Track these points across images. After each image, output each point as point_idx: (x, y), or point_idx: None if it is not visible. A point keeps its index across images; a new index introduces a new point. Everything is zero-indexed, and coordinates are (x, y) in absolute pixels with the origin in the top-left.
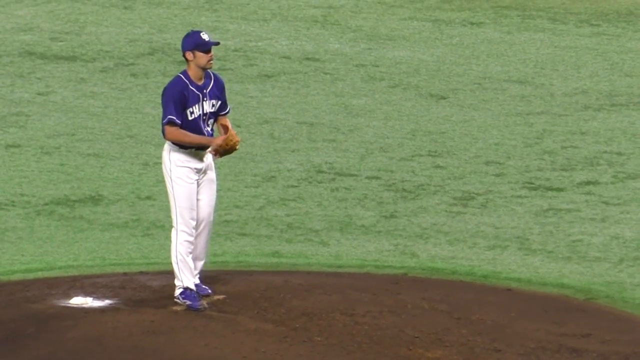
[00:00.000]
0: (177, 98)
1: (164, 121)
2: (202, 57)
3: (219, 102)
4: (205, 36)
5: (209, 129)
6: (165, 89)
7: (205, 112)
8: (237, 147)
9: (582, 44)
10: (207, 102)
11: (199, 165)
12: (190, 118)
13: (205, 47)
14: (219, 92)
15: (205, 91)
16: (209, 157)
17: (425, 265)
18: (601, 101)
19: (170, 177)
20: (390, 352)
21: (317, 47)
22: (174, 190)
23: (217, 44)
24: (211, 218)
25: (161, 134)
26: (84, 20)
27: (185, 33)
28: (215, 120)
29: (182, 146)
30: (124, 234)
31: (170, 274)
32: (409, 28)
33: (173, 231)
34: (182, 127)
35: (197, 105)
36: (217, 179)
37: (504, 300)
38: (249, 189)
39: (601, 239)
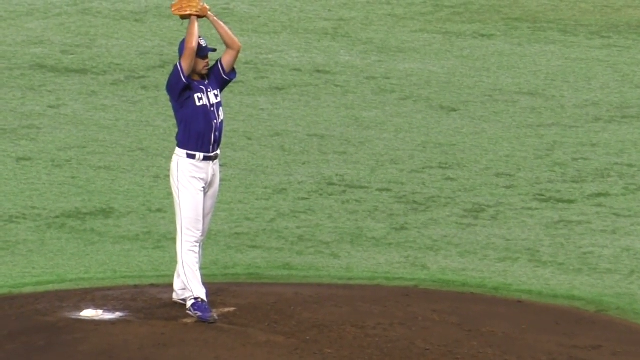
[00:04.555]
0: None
1: (178, 65)
2: (198, 63)
3: (220, 92)
4: (202, 42)
5: (219, 120)
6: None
7: (211, 103)
8: None
9: (592, 55)
10: (211, 93)
11: (206, 176)
12: (198, 104)
13: (202, 53)
14: (216, 80)
15: (206, 83)
16: (215, 168)
17: (436, 278)
18: (612, 113)
19: (178, 188)
20: None
21: (327, 59)
22: (181, 200)
23: (214, 50)
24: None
25: (175, 141)
26: (95, 33)
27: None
28: (221, 105)
29: (190, 156)
30: (135, 247)
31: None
32: (420, 40)
33: (178, 243)
34: (192, 112)
35: (202, 95)
36: (229, 191)
37: (514, 313)
38: (260, 202)
39: (612, 250)
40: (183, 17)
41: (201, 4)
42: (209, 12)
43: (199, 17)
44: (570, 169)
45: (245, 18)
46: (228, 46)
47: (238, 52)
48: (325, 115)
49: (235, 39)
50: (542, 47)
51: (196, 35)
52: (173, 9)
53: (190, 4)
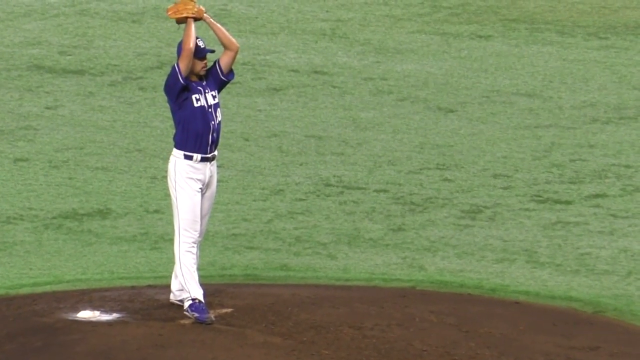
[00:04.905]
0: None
1: (175, 66)
2: (196, 64)
3: (218, 93)
4: (200, 43)
5: (217, 121)
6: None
7: (209, 104)
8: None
9: (590, 57)
10: (208, 94)
11: (203, 177)
12: (196, 105)
13: (200, 54)
14: (214, 81)
15: (204, 84)
16: (213, 170)
17: (433, 279)
18: (609, 114)
19: (175, 189)
20: None
21: (325, 60)
22: (179, 201)
23: (213, 51)
24: (204, 229)
25: (173, 142)
26: (92, 34)
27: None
28: (219, 106)
29: (187, 157)
30: (132, 248)
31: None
32: (417, 41)
33: (175, 244)
34: (189, 113)
35: (200, 96)
36: (226, 192)
37: (512, 314)
38: (257, 203)
39: (609, 251)
40: (179, 21)
41: (197, 6)
42: (205, 14)
43: (195, 19)
44: (567, 170)
45: (242, 19)
46: (226, 47)
47: (236, 53)
48: (323, 116)
49: (233, 40)
50: (540, 48)
51: (193, 37)
52: (169, 13)
53: (187, 7)
